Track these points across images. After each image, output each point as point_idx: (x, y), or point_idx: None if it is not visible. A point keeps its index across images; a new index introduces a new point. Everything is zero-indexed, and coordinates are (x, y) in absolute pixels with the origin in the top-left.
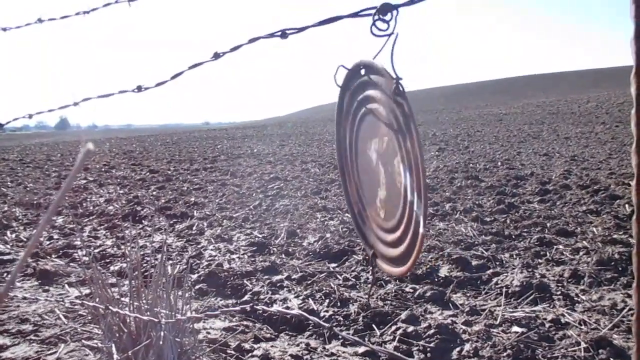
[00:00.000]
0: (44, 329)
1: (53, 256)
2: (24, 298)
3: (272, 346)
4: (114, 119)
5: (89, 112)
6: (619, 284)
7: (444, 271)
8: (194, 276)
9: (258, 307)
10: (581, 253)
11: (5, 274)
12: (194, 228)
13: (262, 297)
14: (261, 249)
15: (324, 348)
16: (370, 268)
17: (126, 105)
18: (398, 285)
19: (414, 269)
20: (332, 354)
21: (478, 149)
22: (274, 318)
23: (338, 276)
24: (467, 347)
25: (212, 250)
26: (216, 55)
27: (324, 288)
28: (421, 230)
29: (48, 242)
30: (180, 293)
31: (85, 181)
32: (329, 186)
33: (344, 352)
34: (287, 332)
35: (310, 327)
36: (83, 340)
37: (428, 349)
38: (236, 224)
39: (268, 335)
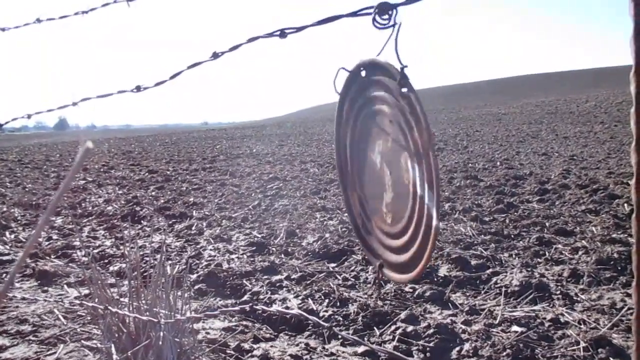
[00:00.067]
0: (43, 329)
1: (52, 257)
2: (23, 298)
3: (271, 346)
4: (113, 119)
5: (87, 113)
6: (618, 283)
7: (443, 271)
8: (193, 276)
9: (257, 307)
10: (580, 252)
11: (5, 275)
12: (193, 228)
13: (261, 297)
14: (260, 249)
15: (324, 348)
16: (377, 281)
17: (125, 106)
18: (397, 285)
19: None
20: (332, 354)
21: (477, 149)
22: (274, 318)
23: (337, 276)
24: (466, 346)
25: (211, 250)
26: (215, 55)
27: (324, 288)
28: (434, 222)
29: (47, 243)
30: (179, 293)
31: (84, 181)
32: (328, 186)
33: (343, 352)
34: (286, 332)
35: (310, 327)
36: (82, 341)
37: (427, 349)
38: (235, 224)
39: (267, 335)
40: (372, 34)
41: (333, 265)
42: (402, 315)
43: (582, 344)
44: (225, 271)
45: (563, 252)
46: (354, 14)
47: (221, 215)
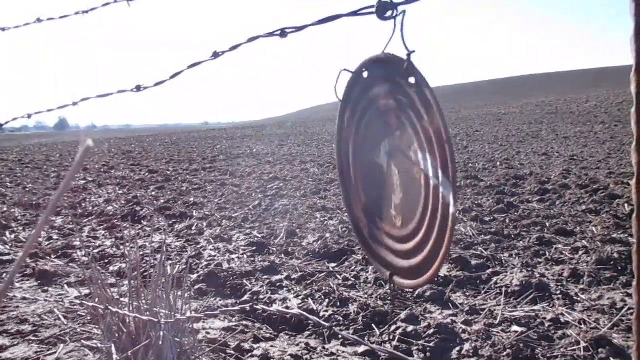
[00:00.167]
0: (44, 329)
1: (52, 256)
2: (24, 298)
3: (271, 346)
4: (113, 119)
5: (88, 113)
6: (619, 283)
7: (443, 271)
8: (194, 276)
9: (258, 307)
10: (580, 252)
11: (5, 274)
12: (194, 228)
13: (261, 297)
14: (261, 249)
15: (324, 348)
16: (390, 293)
17: (125, 106)
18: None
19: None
20: (332, 354)
21: (477, 149)
22: (274, 318)
23: (337, 276)
24: (466, 346)
25: (211, 250)
26: (215, 55)
27: (324, 288)
28: (451, 209)
29: (47, 243)
30: (179, 293)
31: (84, 181)
32: (328, 186)
33: (343, 352)
34: (286, 332)
35: (310, 327)
36: (82, 341)
37: (428, 349)
38: (235, 224)
39: (268, 335)
40: (372, 33)
41: (333, 265)
42: (403, 315)
43: (583, 344)
44: (226, 271)
45: (563, 252)
46: (355, 13)
47: (221, 215)
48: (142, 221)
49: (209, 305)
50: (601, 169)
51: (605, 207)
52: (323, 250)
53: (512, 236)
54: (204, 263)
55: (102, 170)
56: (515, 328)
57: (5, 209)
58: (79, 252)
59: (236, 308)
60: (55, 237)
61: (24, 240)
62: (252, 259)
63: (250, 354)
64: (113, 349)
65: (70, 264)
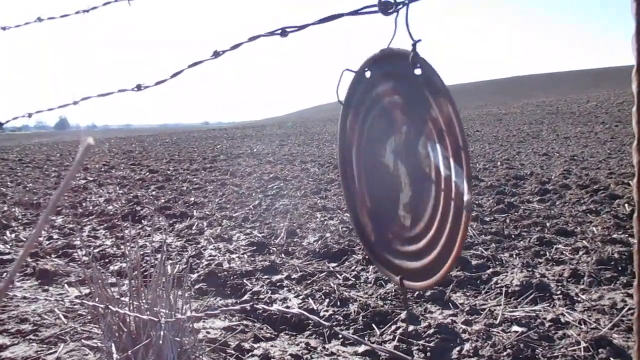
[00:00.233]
0: (44, 328)
1: (53, 256)
2: (24, 298)
3: (272, 346)
4: (113, 119)
5: (88, 112)
6: (619, 283)
7: None
8: (194, 276)
9: (258, 307)
10: (581, 252)
11: (5, 274)
12: (194, 228)
13: (261, 296)
14: (261, 248)
15: (324, 347)
16: (402, 298)
17: (125, 105)
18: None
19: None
20: (332, 354)
21: (477, 149)
22: (274, 317)
23: (338, 276)
24: (467, 346)
25: (211, 249)
26: (216, 54)
27: (324, 287)
28: (466, 197)
29: (47, 242)
30: (180, 292)
31: (84, 181)
32: (329, 186)
33: (344, 352)
34: (287, 331)
35: (310, 327)
36: (83, 340)
37: (428, 349)
38: (236, 224)
39: (268, 334)
40: (373, 32)
41: (333, 264)
42: (403, 315)
43: (583, 344)
44: (226, 271)
45: (564, 252)
46: (356, 12)
47: (222, 215)
48: (143, 221)
49: (209, 305)
50: (602, 169)
51: (606, 207)
52: (323, 250)
53: (513, 236)
54: (204, 263)
55: (103, 169)
56: (515, 328)
57: (5, 208)
58: (79, 251)
59: (236, 307)
60: (55, 236)
61: (24, 239)
62: (252, 259)
63: (250, 354)
64: (113, 348)
65: (71, 264)
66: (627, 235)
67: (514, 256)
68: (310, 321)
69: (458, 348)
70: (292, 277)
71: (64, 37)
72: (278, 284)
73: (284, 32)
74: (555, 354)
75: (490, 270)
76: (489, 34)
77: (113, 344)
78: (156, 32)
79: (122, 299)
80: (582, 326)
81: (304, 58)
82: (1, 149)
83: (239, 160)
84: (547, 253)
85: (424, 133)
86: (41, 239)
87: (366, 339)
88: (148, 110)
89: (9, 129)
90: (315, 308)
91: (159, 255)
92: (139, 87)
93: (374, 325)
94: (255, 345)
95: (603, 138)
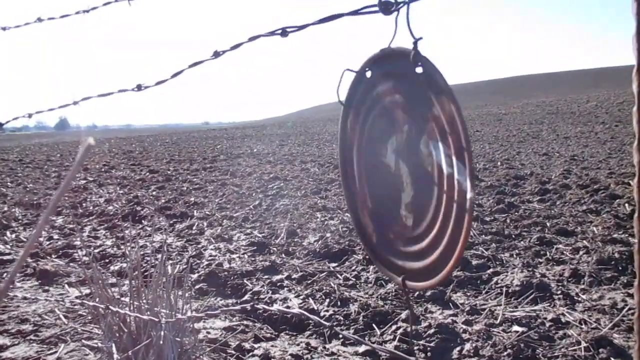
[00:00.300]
0: (44, 329)
1: (53, 256)
2: (24, 298)
3: (272, 346)
4: (114, 119)
5: (88, 112)
6: (619, 283)
7: None
8: (194, 276)
9: (258, 307)
10: (581, 252)
11: (5, 274)
12: (194, 228)
13: (262, 296)
14: (261, 248)
15: (325, 347)
16: (404, 299)
17: (126, 106)
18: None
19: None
20: (333, 354)
21: (477, 149)
22: (274, 318)
23: (338, 276)
24: (467, 346)
25: (212, 250)
26: (216, 54)
27: (324, 287)
28: (469, 195)
29: (48, 242)
30: (180, 293)
31: (85, 181)
32: (329, 186)
33: (344, 352)
34: (287, 331)
35: (311, 327)
36: (83, 340)
37: (428, 349)
38: (236, 224)
39: (268, 334)
40: (373, 32)
41: (334, 264)
42: (403, 315)
43: (583, 344)
44: (226, 271)
45: (564, 252)
46: (356, 12)
47: (222, 215)
48: (143, 221)
49: (209, 305)
50: (602, 169)
51: (606, 207)
52: (324, 250)
53: (513, 236)
54: (205, 263)
55: (103, 170)
56: (515, 328)
57: (5, 209)
58: (79, 251)
59: (237, 308)
60: (55, 236)
61: (25, 240)
62: (252, 259)
63: (250, 354)
64: (114, 348)
65: (71, 264)
66: (627, 235)
67: (515, 256)
68: (310, 321)
69: (458, 348)
70: (293, 277)
71: (64, 37)
72: (278, 284)
73: (284, 32)
74: (555, 354)
75: (491, 270)
76: (489, 34)
77: (113, 344)
78: (156, 32)
79: (123, 299)
80: (583, 326)
81: (304, 58)
82: (1, 150)
83: (239, 161)
84: (548, 253)
85: (425, 132)
86: (41, 239)
87: (366, 339)
88: (148, 111)
89: (9, 130)
90: (315, 308)
91: (159, 256)
92: (139, 87)
93: (374, 325)
94: (256, 346)
95: (603, 138)
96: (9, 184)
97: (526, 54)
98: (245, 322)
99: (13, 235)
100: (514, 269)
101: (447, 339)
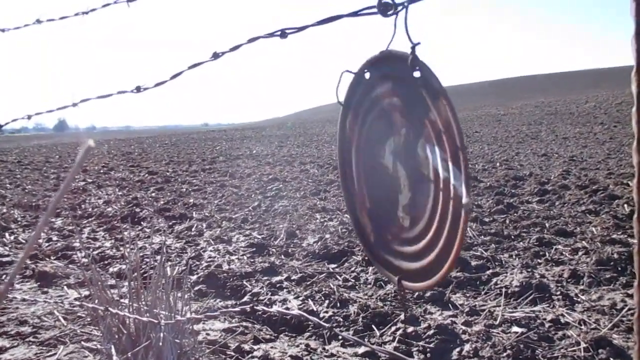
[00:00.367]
0: (43, 330)
1: (52, 258)
2: (23, 300)
3: (271, 347)
4: (113, 121)
5: (87, 114)
6: (619, 283)
7: None
8: (194, 277)
9: (258, 308)
10: (580, 253)
11: (4, 276)
12: (193, 229)
13: (261, 298)
14: (260, 250)
15: (324, 349)
16: (400, 298)
17: (125, 107)
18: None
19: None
20: (332, 355)
21: (476, 150)
22: (274, 319)
23: (337, 277)
24: (466, 347)
25: (211, 251)
26: (215, 55)
27: (324, 289)
28: (464, 200)
29: (47, 244)
30: (179, 294)
31: (84, 183)
32: (328, 187)
33: (343, 353)
34: (286, 333)
35: (310, 328)
36: (82, 342)
37: (428, 350)
38: (235, 225)
39: (268, 336)
40: (373, 33)
41: (333, 266)
42: (402, 316)
43: (583, 345)
44: (226, 272)
45: (563, 252)
46: (355, 13)
47: (221, 217)
48: (142, 222)
49: (209, 307)
50: (601, 170)
51: (605, 207)
52: (323, 251)
53: (512, 237)
54: (204, 264)
55: (102, 171)
56: (515, 329)
57: (4, 211)
58: (78, 253)
59: (236, 309)
60: (55, 238)
61: (24, 241)
62: (252, 260)
63: (250, 355)
64: (113, 350)
65: (70, 265)
66: (626, 236)
67: (514, 257)
68: (310, 322)
69: (458, 349)
70: (292, 278)
71: (63, 38)
72: (278, 285)
73: (283, 34)
74: (555, 355)
75: (490, 271)
76: (488, 34)
77: (113, 346)
78: (155, 33)
79: (122, 300)
80: (582, 327)
81: (303, 59)
82: (0, 151)
83: (238, 162)
84: (547, 253)
85: (422, 135)
86: (40, 241)
87: (366, 340)
88: (147, 112)
89: (7, 131)
90: (315, 309)
91: (158, 257)
92: (138, 89)
93: (373, 326)
94: (255, 347)
95: (602, 138)
96: (7, 185)
97: (526, 54)
98: (244, 324)
99: (12, 237)
100: (513, 270)
101: (447, 340)
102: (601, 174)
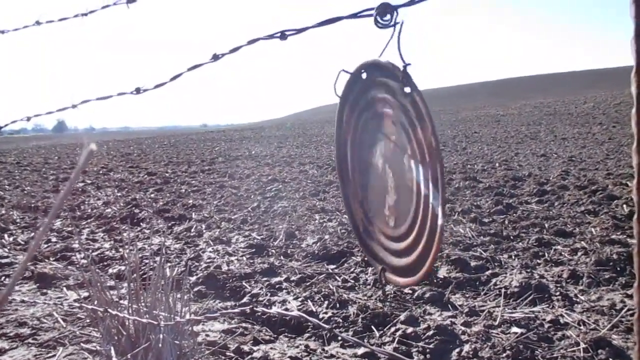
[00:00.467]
0: (42, 332)
1: (51, 259)
2: (22, 301)
3: (271, 348)
4: (112, 122)
5: (86, 115)
6: (618, 284)
7: (442, 272)
8: (193, 278)
9: (257, 309)
10: (580, 253)
11: (3, 277)
12: (192, 230)
13: (260, 298)
14: (260, 250)
15: (324, 350)
16: (380, 284)
17: (124, 107)
18: (398, 287)
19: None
20: (332, 356)
21: (476, 150)
22: (273, 320)
23: (337, 277)
24: (466, 348)
25: (210, 252)
26: (215, 57)
27: (323, 289)
28: (439, 221)
29: (46, 245)
30: (179, 295)
31: (83, 184)
32: (327, 188)
33: (343, 354)
34: (286, 333)
35: (310, 329)
36: (82, 344)
37: (427, 350)
38: (234, 226)
39: (267, 337)
40: (372, 34)
41: (332, 266)
42: (402, 317)
43: (582, 345)
44: (225, 273)
45: (562, 253)
46: (355, 15)
47: (220, 217)
48: (141, 223)
49: (208, 308)
50: (599, 170)
51: (604, 208)
52: (322, 252)
53: (511, 237)
54: (203, 265)
55: (101, 172)
56: (514, 329)
57: (3, 212)
58: (77, 254)
59: (236, 310)
60: (54, 239)
61: (22, 243)
62: (251, 261)
63: (250, 356)
64: (112, 351)
65: (69, 267)
66: (625, 236)
67: (513, 257)
68: (309, 323)
69: (457, 350)
70: (291, 279)
71: (63, 40)
72: (277, 286)
73: (283, 35)
74: (554, 355)
75: (489, 271)
76: (488, 34)
77: (112, 348)
78: (155, 34)
79: (121, 302)
80: (582, 327)
81: (302, 60)
82: None
83: (237, 163)
84: (546, 254)
85: (409, 149)
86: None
87: (365, 341)
88: (146, 113)
89: (7, 132)
90: (314, 310)
91: (157, 258)
92: (138, 91)
93: (373, 327)
94: (255, 348)
95: (601, 139)
96: (6, 186)
97: (525, 55)
98: (244, 325)
99: (11, 239)
100: (512, 270)
101: (446, 341)
102: (600, 174)
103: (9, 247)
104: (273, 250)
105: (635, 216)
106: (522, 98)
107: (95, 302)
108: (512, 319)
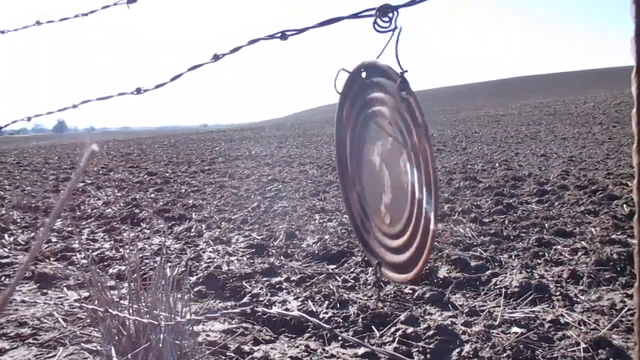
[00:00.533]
0: (43, 332)
1: (51, 259)
2: (23, 301)
3: (271, 348)
4: (112, 122)
5: (86, 115)
6: (618, 284)
7: (443, 272)
8: (193, 278)
9: (258, 309)
10: (580, 253)
11: (3, 277)
12: (193, 230)
13: (261, 298)
14: (260, 250)
15: (324, 350)
16: (375, 279)
17: (124, 108)
18: (397, 286)
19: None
20: (332, 356)
21: (476, 150)
22: (274, 320)
23: (337, 277)
24: (466, 348)
25: (210, 252)
26: (215, 57)
27: (323, 289)
28: (432, 227)
29: (46, 245)
30: (179, 295)
31: (83, 184)
32: (328, 188)
33: (343, 354)
34: (286, 333)
35: (310, 329)
36: (82, 344)
37: (428, 350)
38: (235, 226)
39: (267, 337)
40: (372, 35)
41: (333, 266)
42: (402, 317)
43: (582, 345)
44: (225, 273)
45: (562, 253)
46: (355, 15)
47: (220, 217)
48: (141, 223)
49: (208, 308)
50: (600, 170)
51: (604, 208)
52: (322, 252)
53: (511, 237)
54: (203, 265)
55: (101, 172)
56: (515, 329)
57: (3, 212)
58: (78, 254)
59: (236, 310)
60: (54, 239)
61: (23, 243)
62: (251, 261)
63: (250, 356)
64: (113, 351)
65: (70, 267)
66: (625, 236)
67: (513, 257)
68: (309, 323)
69: (458, 349)
70: (292, 279)
71: (63, 40)
72: (277, 286)
73: (283, 36)
74: (554, 355)
75: (490, 271)
76: (488, 34)
77: (112, 348)
78: (155, 34)
79: (122, 302)
80: (582, 327)
81: (303, 60)
82: None
83: (237, 163)
84: (546, 254)
85: (405, 152)
86: None
87: (366, 341)
88: (146, 113)
89: (7, 132)
90: (314, 310)
91: (158, 258)
92: (138, 91)
93: (373, 327)
94: (255, 348)
95: (601, 139)
96: (6, 186)
97: (525, 55)
98: (244, 325)
99: (11, 239)
100: (512, 270)
101: (446, 341)
102: (600, 174)
103: (9, 247)
104: (273, 250)
105: (636, 216)
106: (522, 98)
107: (96, 302)
108: (513, 318)
